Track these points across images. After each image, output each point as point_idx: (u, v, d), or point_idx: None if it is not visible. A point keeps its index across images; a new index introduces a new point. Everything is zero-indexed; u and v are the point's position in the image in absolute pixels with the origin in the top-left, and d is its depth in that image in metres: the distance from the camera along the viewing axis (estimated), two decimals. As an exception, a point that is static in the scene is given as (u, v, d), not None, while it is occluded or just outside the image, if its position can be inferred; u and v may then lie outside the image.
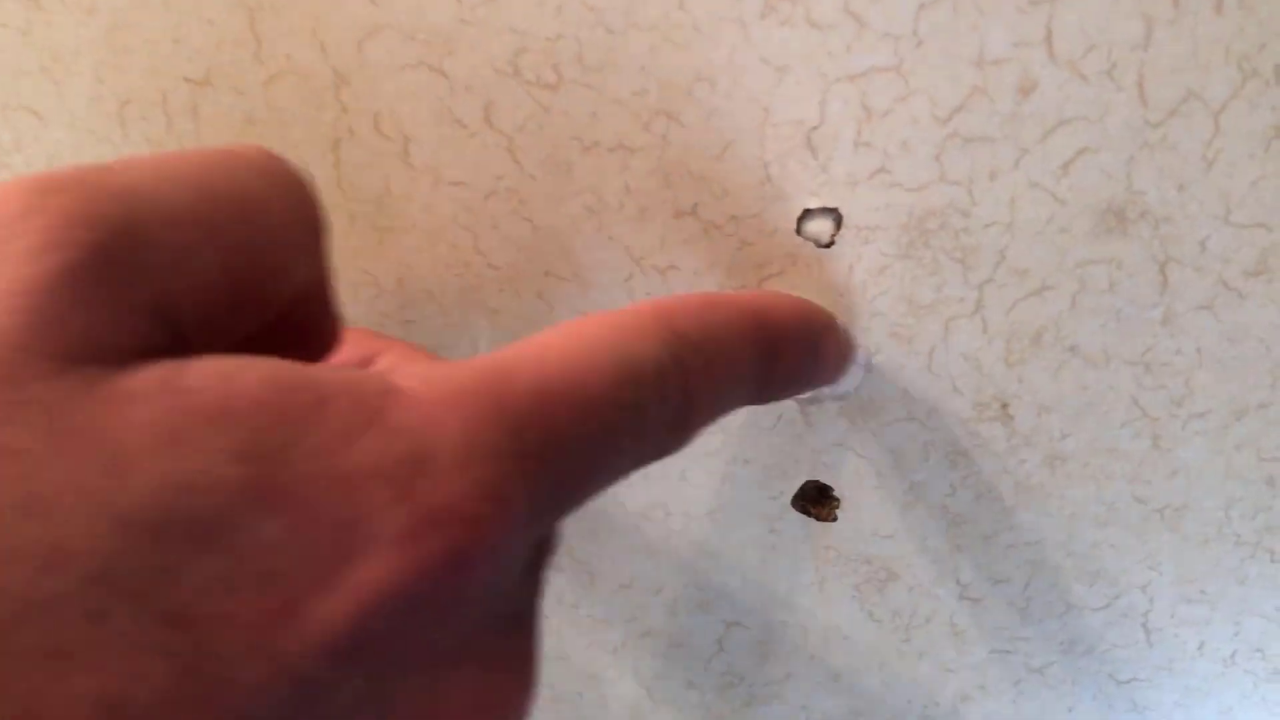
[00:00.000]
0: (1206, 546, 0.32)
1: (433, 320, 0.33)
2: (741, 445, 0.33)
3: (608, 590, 0.38)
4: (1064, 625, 0.34)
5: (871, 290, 0.30)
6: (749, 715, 0.40)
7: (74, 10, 0.30)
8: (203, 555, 0.12)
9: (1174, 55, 0.25)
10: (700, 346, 0.18)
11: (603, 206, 0.30)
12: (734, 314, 0.20)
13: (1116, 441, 0.31)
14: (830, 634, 0.37)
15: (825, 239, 0.29)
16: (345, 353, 0.26)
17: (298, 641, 0.12)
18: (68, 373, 0.12)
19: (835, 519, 0.34)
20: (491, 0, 0.28)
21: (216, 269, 0.14)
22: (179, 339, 0.14)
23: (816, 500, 0.34)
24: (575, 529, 0.37)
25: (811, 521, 0.34)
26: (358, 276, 0.32)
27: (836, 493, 0.33)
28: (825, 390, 0.31)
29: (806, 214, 0.29)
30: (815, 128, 0.28)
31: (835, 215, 0.29)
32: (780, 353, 0.21)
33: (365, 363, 0.26)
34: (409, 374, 0.15)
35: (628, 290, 0.31)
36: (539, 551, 0.17)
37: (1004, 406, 0.31)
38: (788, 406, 0.32)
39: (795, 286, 0.30)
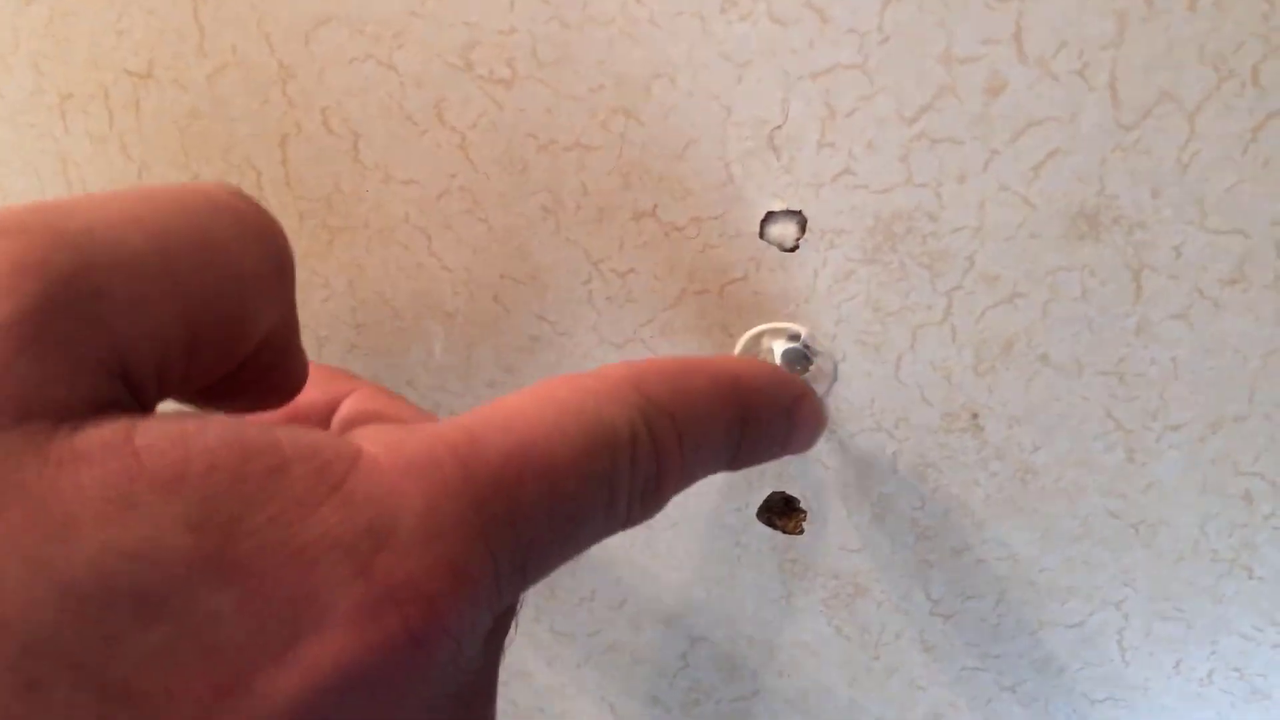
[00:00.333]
0: (1182, 563, 0.31)
1: (385, 324, 0.32)
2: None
3: (569, 604, 0.37)
4: (1037, 643, 0.33)
5: (837, 296, 0.29)
6: (714, 733, 0.39)
7: (11, 0, 0.29)
8: (148, 627, 0.11)
9: (1148, 54, 0.24)
10: (674, 413, 0.18)
11: (560, 207, 0.29)
12: (708, 380, 0.19)
13: (1090, 454, 0.30)
14: (797, 650, 0.36)
15: (789, 243, 0.28)
16: (309, 393, 0.25)
17: (243, 718, 0.12)
18: (10, 429, 0.11)
19: (802, 531, 0.33)
20: (442, -9, 0.26)
21: (176, 320, 0.14)
22: (134, 392, 0.13)
23: (782, 512, 0.33)
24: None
25: (777, 534, 0.33)
26: (307, 278, 0.31)
27: (803, 505, 0.32)
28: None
29: (770, 217, 0.28)
30: (778, 127, 0.27)
31: (799, 218, 0.28)
32: (754, 420, 0.21)
33: (330, 405, 0.25)
34: (374, 438, 0.14)
35: (586, 293, 0.30)
36: (501, 619, 0.17)
37: (974, 417, 0.30)
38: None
39: (758, 292, 0.29)
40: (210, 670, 0.12)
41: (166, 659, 0.11)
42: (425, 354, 0.32)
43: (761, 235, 0.28)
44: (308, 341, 0.33)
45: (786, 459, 0.32)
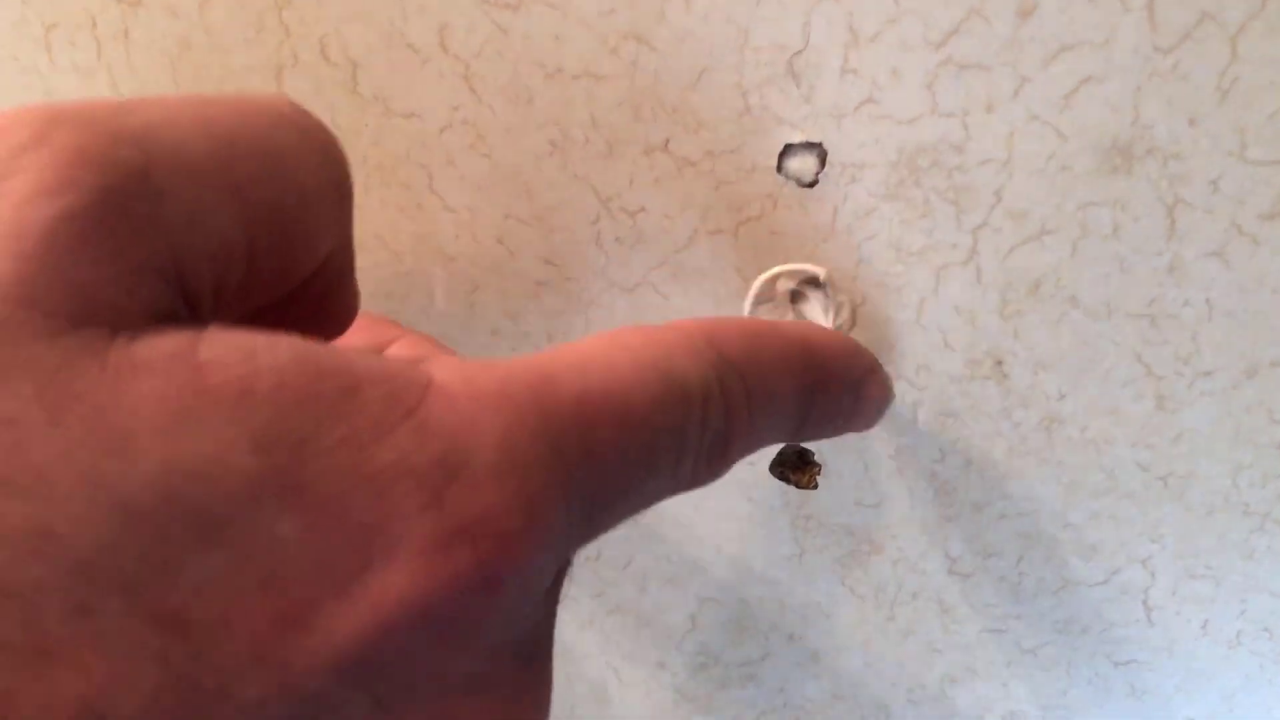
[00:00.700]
0: (1212, 517, 0.30)
1: (385, 268, 0.30)
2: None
3: (574, 563, 0.35)
4: (1059, 603, 0.32)
5: (858, 235, 0.27)
6: (723, 698, 0.37)
7: (-7, -79, 0.28)
8: (207, 551, 0.11)
9: (1188, -29, 0.23)
10: (746, 374, 0.17)
11: (567, 141, 0.28)
12: (782, 344, 0.19)
13: (1118, 402, 0.28)
14: (810, 611, 0.35)
15: (808, 178, 0.27)
16: (354, 338, 0.24)
17: (304, 655, 0.11)
18: (67, 334, 0.11)
19: (816, 486, 0.31)
20: (445, -92, 0.25)
21: (237, 230, 0.13)
22: (189, 306, 0.12)
23: (796, 466, 0.32)
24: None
25: (790, 489, 0.32)
26: (304, 218, 0.30)
27: (817, 458, 0.31)
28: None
29: (788, 149, 0.27)
30: (798, 53, 0.25)
31: (819, 151, 0.27)
32: (823, 390, 0.20)
33: (376, 351, 0.24)
34: (447, 367, 0.13)
35: (594, 234, 0.29)
36: (558, 574, 0.16)
37: (998, 363, 0.29)
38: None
39: (775, 231, 0.28)
40: (271, 600, 0.11)
41: (225, 586, 0.11)
42: (426, 300, 0.31)
43: (779, 170, 0.27)
44: (304, 286, 0.31)
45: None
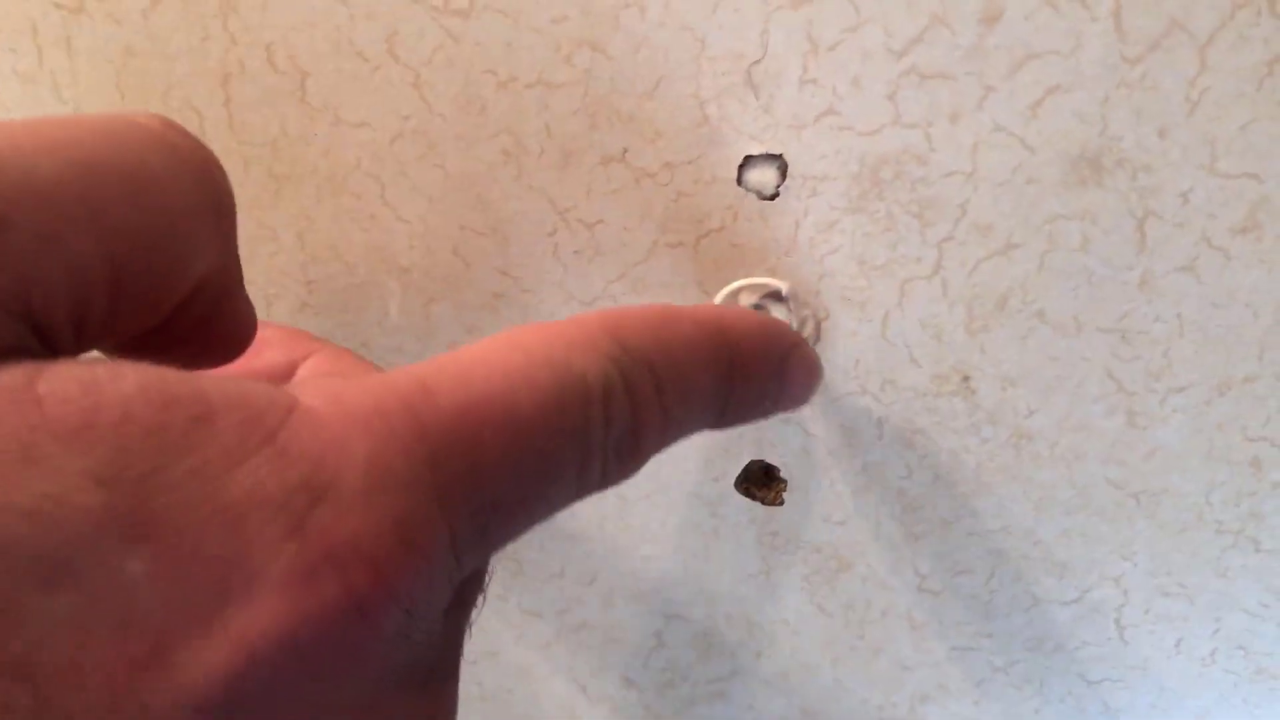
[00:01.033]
0: (1185, 535, 0.29)
1: (337, 280, 0.30)
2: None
3: (537, 580, 0.35)
4: (1030, 620, 0.32)
5: (820, 248, 0.27)
6: (691, 715, 0.37)
7: (-73, -77, 0.27)
8: (51, 594, 0.10)
9: (1156, -21, 0.22)
10: (653, 365, 0.17)
11: (521, 151, 0.27)
12: (691, 329, 0.18)
13: (1089, 418, 0.28)
14: (778, 628, 0.34)
15: (769, 190, 0.26)
16: (268, 355, 0.24)
17: (163, 696, 0.10)
18: None
19: (782, 503, 0.31)
20: (391, -88, 0.24)
21: (96, 258, 0.12)
22: (44, 340, 0.12)
23: (761, 482, 0.31)
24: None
25: (756, 505, 0.31)
26: (254, 230, 0.29)
27: (783, 474, 0.31)
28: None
29: (748, 161, 0.26)
30: (756, 62, 0.25)
31: (780, 163, 0.26)
32: (743, 372, 0.19)
33: (290, 367, 0.24)
34: (317, 388, 0.13)
35: (552, 246, 0.28)
36: (463, 593, 0.15)
37: (965, 379, 0.28)
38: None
39: (736, 244, 0.27)
40: (124, 642, 0.10)
41: (74, 631, 0.10)
42: (381, 313, 0.30)
43: (739, 182, 0.26)
44: (255, 299, 0.31)
45: (765, 427, 0.30)
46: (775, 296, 0.27)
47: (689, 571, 0.33)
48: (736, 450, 0.30)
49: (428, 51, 0.26)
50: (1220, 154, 0.24)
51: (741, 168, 0.26)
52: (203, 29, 0.27)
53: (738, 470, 0.31)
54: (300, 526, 0.11)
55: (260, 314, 0.31)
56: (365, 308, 0.30)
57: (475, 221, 0.28)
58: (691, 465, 0.31)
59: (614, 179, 0.27)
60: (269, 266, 0.30)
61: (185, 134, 0.14)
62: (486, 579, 0.17)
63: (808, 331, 0.28)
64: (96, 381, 0.11)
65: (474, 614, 0.17)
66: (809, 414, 0.29)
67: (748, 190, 0.26)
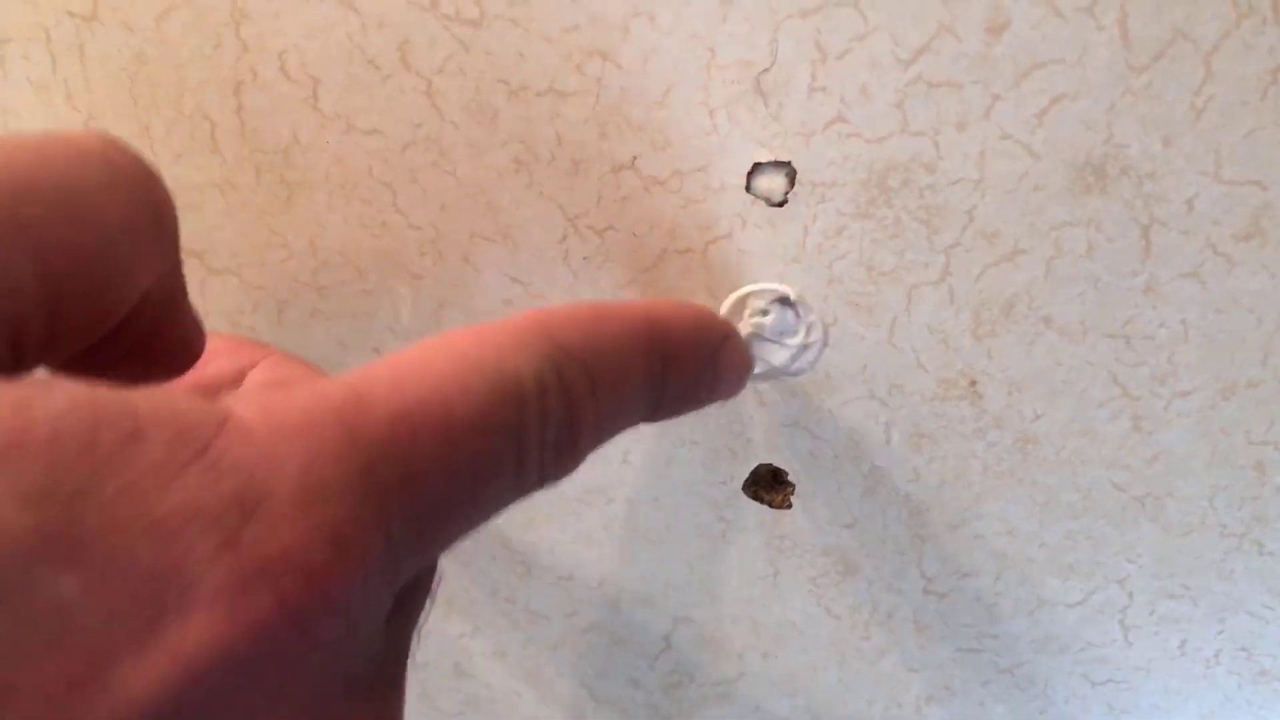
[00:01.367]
0: (1189, 537, 0.29)
1: (348, 286, 0.30)
2: (688, 425, 0.31)
3: (545, 582, 0.35)
4: (1035, 622, 0.32)
5: (828, 254, 0.27)
6: (698, 717, 0.37)
7: (-58, -67, 0.27)
8: None
9: (1162, -11, 0.22)
10: (586, 361, 0.17)
11: (532, 159, 0.27)
12: (623, 324, 0.18)
13: (1094, 423, 0.28)
14: (785, 630, 0.34)
15: (777, 197, 0.26)
16: (216, 364, 0.24)
17: (101, 715, 0.10)
18: None
19: (790, 506, 0.31)
20: (404, -78, 0.25)
21: (29, 277, 0.12)
22: None
23: (769, 485, 0.31)
24: (508, 517, 0.34)
25: (764, 509, 0.32)
26: (265, 237, 0.29)
27: (791, 477, 0.31)
28: (778, 367, 0.28)
29: (757, 168, 0.26)
30: (765, 70, 0.25)
31: (788, 170, 0.26)
32: (674, 367, 0.19)
33: (238, 375, 0.24)
34: (251, 400, 0.13)
35: (562, 253, 0.28)
36: (406, 599, 0.16)
37: (972, 384, 0.28)
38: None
39: (744, 250, 0.27)
40: (58, 662, 0.10)
41: (6, 652, 0.10)
42: (392, 318, 0.30)
43: (748, 189, 0.26)
44: (267, 305, 0.31)
45: (773, 430, 0.30)
46: (783, 302, 0.28)
47: (696, 574, 0.34)
48: (745, 454, 0.31)
49: (439, 60, 0.26)
50: (1224, 161, 0.24)
51: (750, 175, 0.26)
52: (215, 37, 0.27)
53: (746, 474, 0.31)
54: (234, 540, 0.11)
55: (272, 320, 0.31)
56: (376, 313, 0.30)
57: (486, 228, 0.28)
58: (699, 469, 0.31)
59: (624, 186, 0.27)
60: (280, 273, 0.30)
61: (124, 150, 0.14)
62: (434, 583, 0.17)
63: (815, 337, 0.28)
64: (25, 401, 0.11)
65: (421, 619, 0.17)
66: (816, 419, 0.30)
67: (756, 197, 0.27)
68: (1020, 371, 0.28)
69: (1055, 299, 0.26)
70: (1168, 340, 0.27)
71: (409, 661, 0.16)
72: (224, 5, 0.27)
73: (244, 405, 0.13)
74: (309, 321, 0.31)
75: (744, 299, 0.28)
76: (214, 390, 0.22)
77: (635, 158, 0.27)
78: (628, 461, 0.32)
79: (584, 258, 0.28)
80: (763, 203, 0.27)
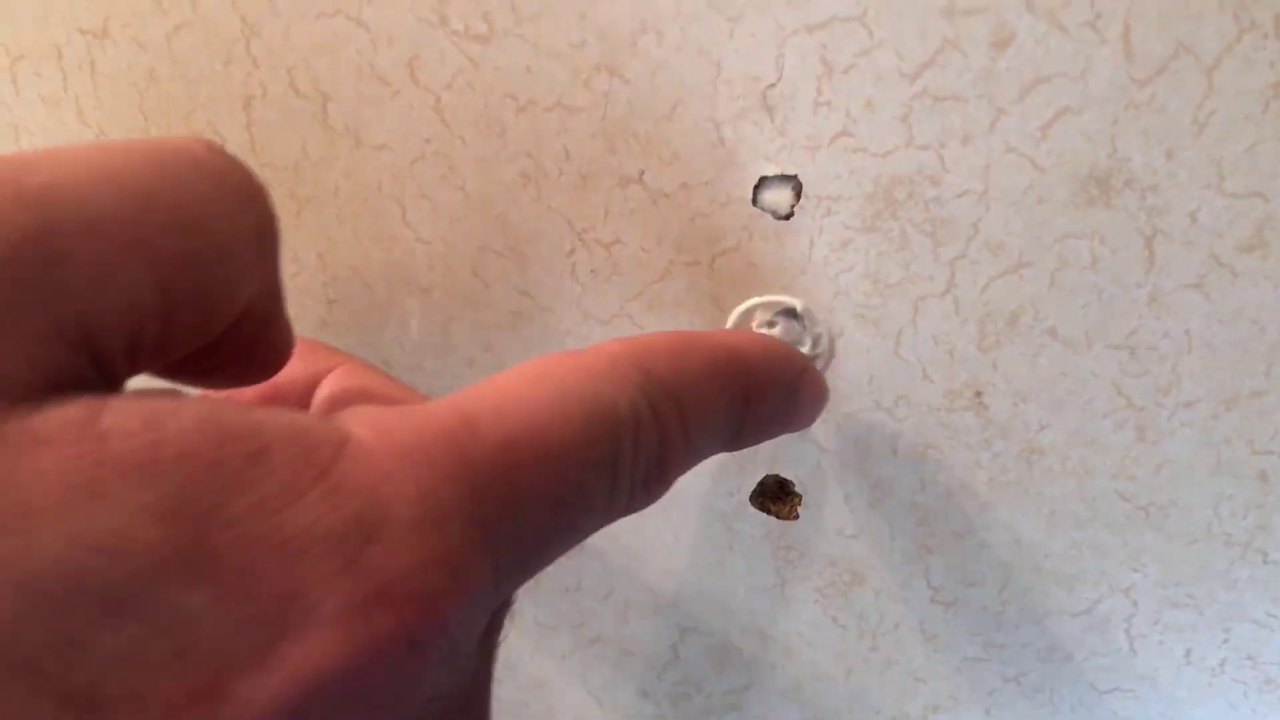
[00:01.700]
0: (1194, 547, 0.29)
1: (358, 299, 0.30)
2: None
3: (553, 593, 0.35)
4: (1041, 631, 0.32)
5: (834, 267, 0.27)
6: (705, 728, 0.37)
7: (-45, -48, 0.27)
8: (115, 627, 0.10)
9: (1163, 4, 0.23)
10: (676, 393, 0.17)
11: (540, 173, 0.27)
12: (709, 356, 0.19)
13: (1098, 433, 0.28)
14: (792, 640, 0.34)
15: (784, 210, 0.27)
16: (290, 368, 0.24)
17: None
18: None
19: (797, 517, 0.31)
20: (414, -60, 0.25)
21: (148, 288, 0.12)
22: (101, 368, 0.12)
23: (776, 496, 0.31)
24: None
25: (771, 519, 0.32)
26: (275, 250, 0.30)
27: (798, 488, 0.31)
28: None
29: (763, 182, 0.26)
30: (771, 85, 0.25)
31: (794, 183, 0.26)
32: (757, 397, 0.20)
33: (313, 380, 0.24)
34: (363, 420, 0.13)
35: (570, 266, 0.28)
36: (494, 618, 0.16)
37: (977, 395, 0.28)
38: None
39: (751, 263, 0.27)
40: (184, 674, 0.11)
41: (135, 662, 0.10)
42: (400, 331, 0.31)
43: (754, 202, 0.27)
44: (276, 318, 0.31)
45: (780, 441, 0.30)
46: (790, 314, 0.28)
47: (704, 585, 0.34)
48: (752, 465, 0.31)
49: (448, 75, 0.26)
50: (1227, 174, 0.24)
51: (757, 188, 0.26)
52: (225, 53, 0.27)
53: (753, 485, 0.31)
54: (354, 561, 0.12)
55: (281, 333, 0.31)
56: (385, 327, 0.30)
57: (495, 242, 0.28)
58: (707, 480, 0.31)
59: (631, 200, 0.27)
60: (290, 287, 0.30)
61: (231, 159, 0.14)
62: (513, 603, 0.17)
63: (822, 348, 0.28)
64: (158, 417, 0.11)
65: (501, 636, 0.17)
66: (823, 430, 0.30)
67: (763, 210, 0.27)
68: (1025, 382, 0.28)
69: (1060, 310, 0.27)
70: (1171, 351, 0.27)
71: (492, 670, 0.17)
72: (234, 22, 0.27)
73: (359, 425, 0.13)
74: (318, 334, 0.31)
75: (751, 311, 0.28)
76: (287, 394, 0.23)
77: (643, 171, 0.27)
78: (635, 473, 0.32)
79: (592, 271, 0.28)
80: (769, 216, 0.27)
